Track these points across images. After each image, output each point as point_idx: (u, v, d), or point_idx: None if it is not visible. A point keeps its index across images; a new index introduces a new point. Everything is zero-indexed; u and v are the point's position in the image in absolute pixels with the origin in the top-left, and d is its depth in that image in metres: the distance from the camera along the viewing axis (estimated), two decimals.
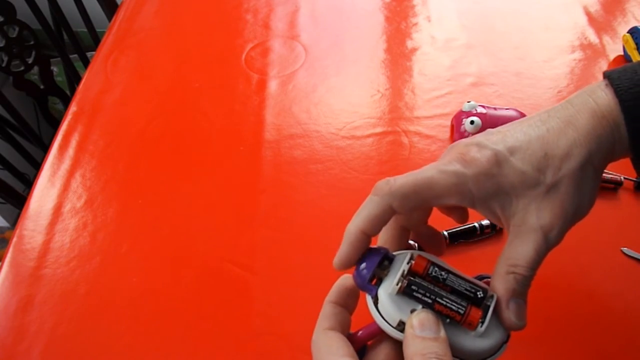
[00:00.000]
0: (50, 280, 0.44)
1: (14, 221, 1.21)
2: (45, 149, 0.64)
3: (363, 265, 0.26)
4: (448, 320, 0.25)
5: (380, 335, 0.26)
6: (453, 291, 0.25)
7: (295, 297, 0.43)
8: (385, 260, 0.27)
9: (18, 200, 0.77)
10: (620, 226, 0.47)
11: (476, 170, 0.27)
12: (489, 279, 0.28)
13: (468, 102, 0.52)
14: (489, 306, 0.26)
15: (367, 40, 0.66)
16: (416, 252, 0.27)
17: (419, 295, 0.25)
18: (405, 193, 0.28)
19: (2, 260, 0.46)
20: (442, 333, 0.24)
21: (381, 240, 0.31)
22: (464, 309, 0.24)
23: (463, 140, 0.29)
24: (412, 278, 0.25)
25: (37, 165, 0.67)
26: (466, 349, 0.25)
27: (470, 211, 0.47)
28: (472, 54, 0.63)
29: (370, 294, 0.26)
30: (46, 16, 0.88)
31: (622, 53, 0.63)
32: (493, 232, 0.46)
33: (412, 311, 0.25)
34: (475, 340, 0.25)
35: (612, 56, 0.63)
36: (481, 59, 0.63)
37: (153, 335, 0.41)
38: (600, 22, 0.67)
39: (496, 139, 0.28)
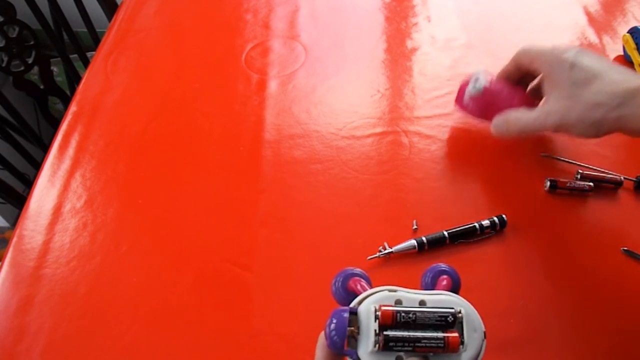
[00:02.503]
0: (50, 280, 0.44)
1: (14, 221, 1.21)
2: (45, 149, 0.64)
3: (333, 333, 0.26)
4: (432, 354, 0.26)
5: None
6: (425, 327, 0.26)
7: (295, 297, 0.43)
8: (350, 316, 0.27)
9: (18, 200, 0.77)
10: (620, 226, 0.47)
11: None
12: (445, 276, 0.30)
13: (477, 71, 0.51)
14: (462, 324, 0.26)
15: (367, 40, 0.66)
16: (375, 298, 0.27)
17: (399, 348, 0.25)
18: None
19: (2, 260, 0.46)
20: None
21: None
22: (442, 341, 0.25)
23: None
24: (386, 334, 0.25)
25: (37, 165, 0.67)
26: None
27: (472, 211, 0.47)
28: (472, 54, 0.63)
29: (352, 358, 0.26)
30: (46, 16, 0.88)
31: (622, 53, 0.63)
32: (493, 232, 0.46)
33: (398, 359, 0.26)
34: (461, 356, 0.26)
35: (612, 56, 0.63)
36: (481, 59, 0.63)
37: (153, 335, 0.41)
38: (600, 22, 0.67)
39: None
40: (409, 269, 0.44)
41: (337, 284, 0.30)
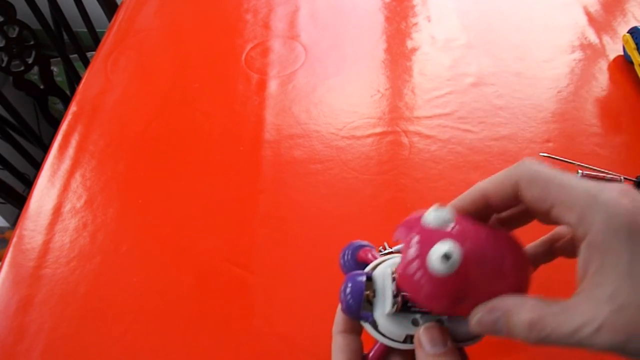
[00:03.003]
0: (50, 280, 0.44)
1: (14, 221, 1.20)
2: (45, 149, 0.64)
3: (349, 297, 0.26)
4: (446, 317, 0.25)
5: (387, 351, 0.27)
6: None
7: (295, 297, 0.43)
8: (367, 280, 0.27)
9: (18, 200, 0.77)
10: None
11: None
12: None
13: (435, 209, 0.25)
14: None
15: (367, 40, 0.66)
16: (391, 262, 0.27)
17: (416, 309, 0.25)
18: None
19: (2, 260, 0.46)
20: (450, 343, 0.24)
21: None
22: None
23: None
24: (404, 294, 0.25)
25: (37, 165, 0.67)
26: (466, 331, 0.25)
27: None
28: (472, 54, 0.63)
29: (368, 321, 0.26)
30: (46, 16, 0.88)
31: (622, 53, 0.63)
32: None
33: (414, 322, 0.25)
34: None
35: (612, 56, 0.63)
36: (481, 59, 0.63)
37: (153, 335, 0.41)
38: (600, 22, 0.67)
39: None
40: None
41: (346, 255, 0.30)
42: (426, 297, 0.23)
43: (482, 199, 0.25)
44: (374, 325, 0.26)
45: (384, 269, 0.27)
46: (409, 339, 0.25)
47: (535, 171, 0.23)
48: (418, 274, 0.23)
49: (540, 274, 0.29)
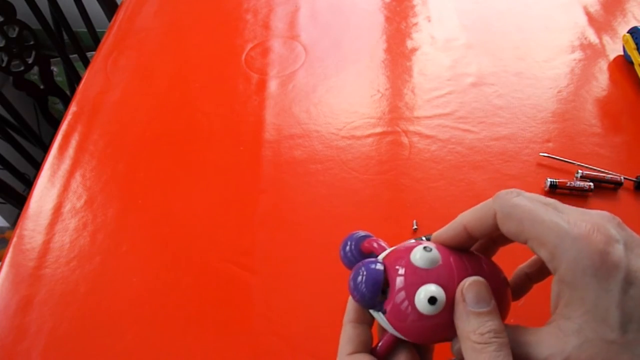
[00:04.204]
0: (50, 280, 0.44)
1: (14, 221, 1.21)
2: (45, 149, 0.65)
3: (363, 285, 0.25)
4: None
5: (395, 343, 0.26)
6: None
7: (295, 297, 0.43)
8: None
9: (18, 200, 0.77)
10: None
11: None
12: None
13: (419, 239, 0.30)
14: None
15: (367, 40, 0.66)
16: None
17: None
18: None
19: (2, 260, 0.46)
20: (493, 302, 0.24)
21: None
22: None
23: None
24: None
25: (37, 165, 0.67)
26: None
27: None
28: (472, 54, 0.63)
29: (379, 310, 0.25)
30: (46, 16, 0.88)
31: (622, 53, 0.63)
32: None
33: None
34: None
35: (612, 56, 0.63)
36: (481, 59, 0.63)
37: (153, 335, 0.41)
38: (600, 22, 0.67)
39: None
40: None
41: (349, 246, 0.28)
42: (414, 333, 0.25)
43: (464, 232, 0.26)
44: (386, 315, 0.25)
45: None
46: None
47: (511, 206, 0.24)
48: (408, 312, 0.24)
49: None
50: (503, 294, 0.26)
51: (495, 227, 0.25)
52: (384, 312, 0.25)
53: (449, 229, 0.27)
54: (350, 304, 0.27)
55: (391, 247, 0.28)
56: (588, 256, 0.22)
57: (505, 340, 0.23)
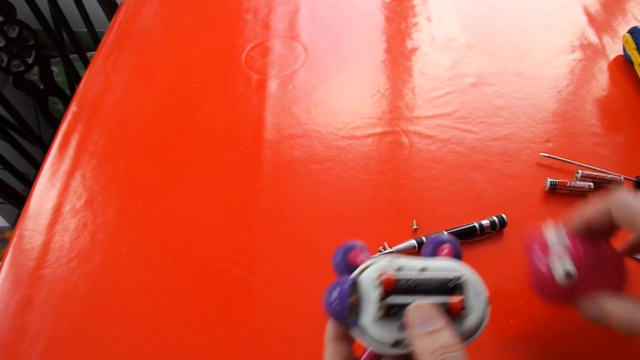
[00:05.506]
0: (50, 280, 0.44)
1: (14, 221, 1.20)
2: (45, 149, 0.64)
3: (335, 302, 0.26)
4: None
5: (377, 357, 0.27)
6: (428, 293, 0.26)
7: (295, 297, 0.43)
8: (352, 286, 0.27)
9: (18, 200, 0.77)
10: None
11: None
12: (446, 245, 0.30)
13: (556, 230, 0.35)
14: (464, 289, 0.26)
15: (367, 40, 0.66)
16: (376, 267, 0.27)
17: (402, 315, 0.25)
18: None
19: (2, 260, 0.46)
20: (443, 320, 0.24)
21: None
22: (444, 306, 0.25)
23: None
24: (388, 302, 0.25)
25: (37, 165, 0.67)
26: (463, 332, 0.26)
27: (472, 211, 0.47)
28: (472, 54, 0.63)
29: (354, 326, 0.26)
30: (46, 16, 0.88)
31: (622, 53, 0.63)
32: (493, 232, 0.46)
33: (402, 326, 0.25)
34: (466, 321, 0.26)
35: (612, 56, 0.63)
36: (481, 59, 0.63)
37: (153, 335, 0.41)
38: (600, 22, 0.67)
39: None
40: None
41: (338, 257, 0.30)
42: (550, 295, 0.35)
43: (586, 224, 0.33)
44: (362, 331, 0.26)
45: (370, 273, 0.26)
46: (398, 343, 0.25)
47: (624, 203, 0.31)
48: (547, 280, 0.33)
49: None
50: (620, 271, 0.34)
51: (611, 222, 0.31)
52: (360, 328, 0.26)
53: (575, 223, 0.34)
54: (330, 322, 0.28)
55: (372, 256, 0.29)
56: None
57: (458, 353, 0.23)
